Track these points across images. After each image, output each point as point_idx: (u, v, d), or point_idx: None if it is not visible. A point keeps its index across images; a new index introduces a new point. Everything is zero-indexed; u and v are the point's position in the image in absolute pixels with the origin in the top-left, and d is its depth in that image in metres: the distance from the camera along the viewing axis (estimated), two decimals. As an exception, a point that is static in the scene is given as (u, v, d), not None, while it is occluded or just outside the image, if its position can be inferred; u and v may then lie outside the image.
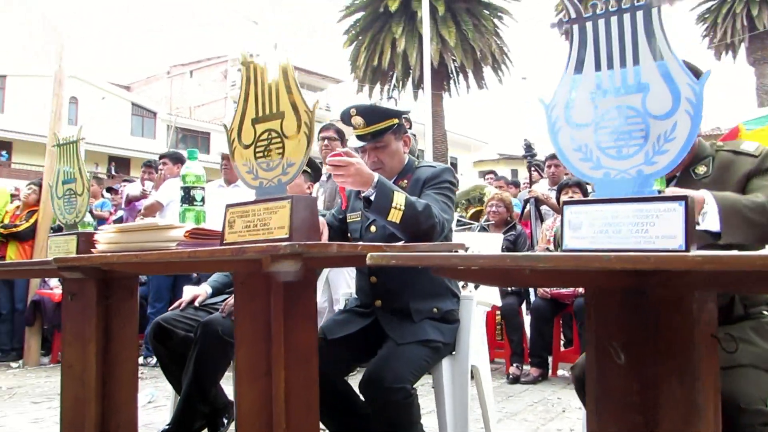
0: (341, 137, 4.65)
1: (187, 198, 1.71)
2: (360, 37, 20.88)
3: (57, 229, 5.04)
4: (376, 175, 1.94)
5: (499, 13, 21.07)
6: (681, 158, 1.10)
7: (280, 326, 1.64)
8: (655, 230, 1.07)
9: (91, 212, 5.55)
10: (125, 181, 7.07)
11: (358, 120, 2.22)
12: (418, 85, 20.29)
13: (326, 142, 4.61)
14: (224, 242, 1.48)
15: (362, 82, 21.05)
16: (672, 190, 1.45)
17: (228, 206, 1.50)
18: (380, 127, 2.22)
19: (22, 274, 3.17)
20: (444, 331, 2.14)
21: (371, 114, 2.23)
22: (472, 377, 2.33)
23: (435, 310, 2.15)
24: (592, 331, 1.20)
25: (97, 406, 2.29)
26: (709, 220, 1.40)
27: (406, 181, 2.29)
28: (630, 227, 1.10)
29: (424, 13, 13.37)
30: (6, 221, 5.03)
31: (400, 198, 1.93)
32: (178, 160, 5.02)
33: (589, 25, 1.19)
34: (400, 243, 1.97)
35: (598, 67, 1.18)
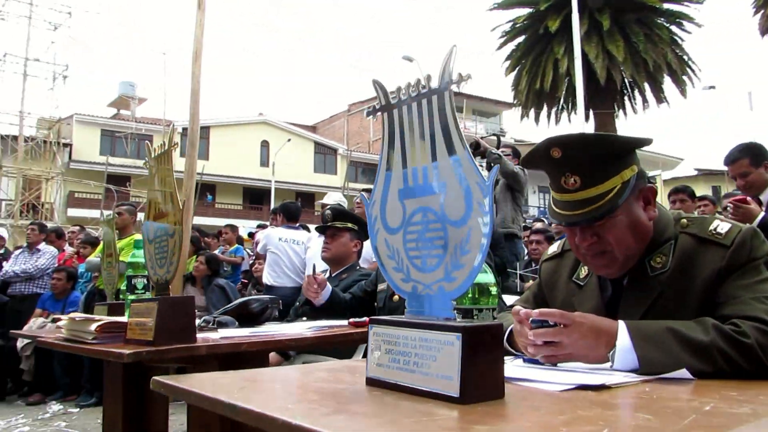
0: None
1: (130, 286, 1.77)
2: (523, 61, 20.41)
3: (188, 278, 5.55)
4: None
5: (678, 19, 19.27)
6: (475, 276, 0.89)
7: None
8: (436, 366, 0.88)
9: (220, 259, 6.07)
10: (259, 226, 7.59)
11: (327, 213, 3.02)
12: (587, 105, 19.27)
13: None
14: (126, 338, 1.50)
15: (525, 107, 20.49)
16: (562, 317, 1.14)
17: (133, 302, 1.52)
18: (339, 225, 2.99)
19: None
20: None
21: (338, 213, 3.04)
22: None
23: None
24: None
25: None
26: (621, 361, 1.09)
27: (346, 275, 2.93)
28: (417, 359, 0.91)
29: (575, 29, 12.65)
30: (148, 270, 5.67)
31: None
32: (291, 215, 5.28)
33: (395, 113, 1.03)
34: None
35: (404, 163, 1.01)
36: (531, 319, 1.16)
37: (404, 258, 1.00)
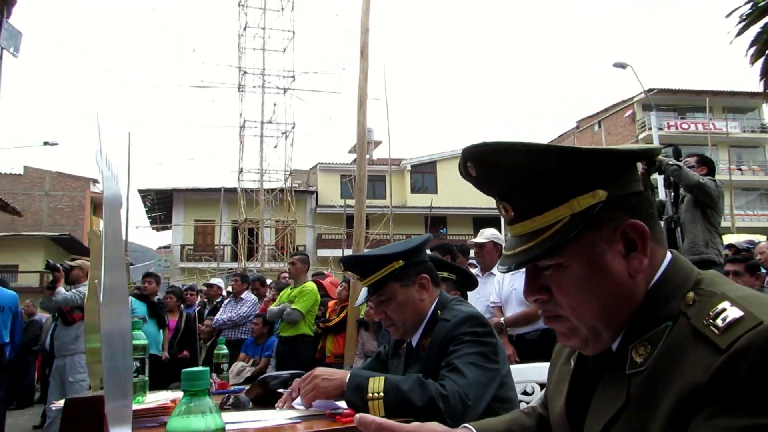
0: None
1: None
2: (773, 43, 17.35)
3: (361, 323, 5.62)
4: (347, 375, 1.65)
5: None
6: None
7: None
8: None
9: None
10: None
11: (352, 274, 1.96)
12: None
13: None
14: None
15: (783, 96, 17.28)
16: None
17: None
18: (378, 277, 1.84)
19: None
20: None
21: (361, 266, 1.92)
22: None
23: None
24: None
25: None
26: None
27: (429, 338, 1.84)
28: None
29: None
30: (327, 315, 5.89)
31: (376, 384, 1.57)
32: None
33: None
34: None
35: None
36: None
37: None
